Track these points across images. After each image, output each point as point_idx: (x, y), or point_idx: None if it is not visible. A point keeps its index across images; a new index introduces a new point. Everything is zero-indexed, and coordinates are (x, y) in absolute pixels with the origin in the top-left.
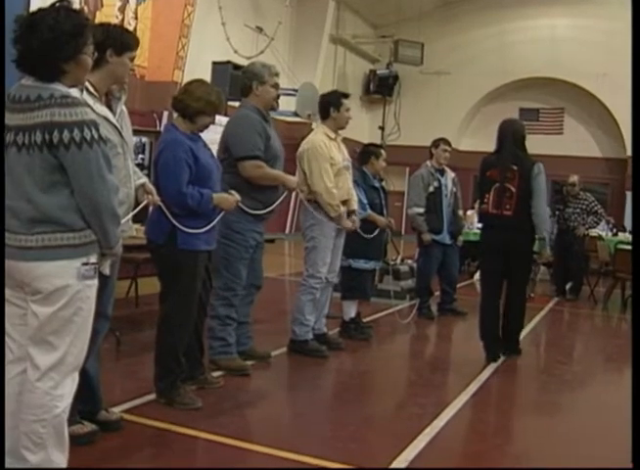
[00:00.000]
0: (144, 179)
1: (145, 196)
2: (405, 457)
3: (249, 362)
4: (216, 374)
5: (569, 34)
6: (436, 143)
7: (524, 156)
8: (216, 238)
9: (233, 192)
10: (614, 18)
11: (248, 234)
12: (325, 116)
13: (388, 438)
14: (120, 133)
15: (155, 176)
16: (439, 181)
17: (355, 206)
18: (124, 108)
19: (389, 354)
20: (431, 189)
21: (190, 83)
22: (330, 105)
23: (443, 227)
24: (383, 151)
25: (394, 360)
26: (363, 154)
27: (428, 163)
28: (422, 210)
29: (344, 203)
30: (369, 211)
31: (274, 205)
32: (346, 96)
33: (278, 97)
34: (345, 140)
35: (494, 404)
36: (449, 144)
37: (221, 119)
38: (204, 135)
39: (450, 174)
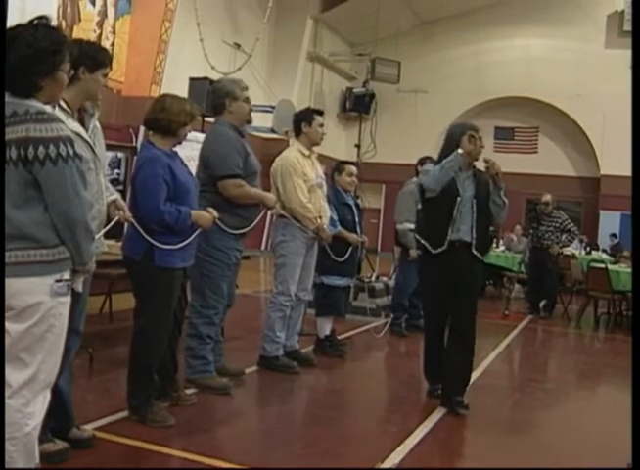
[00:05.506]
0: (116, 195)
1: (116, 212)
2: None
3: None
4: (190, 391)
5: (543, 54)
6: (422, 161)
7: None
8: (197, 255)
9: (211, 209)
10: (587, 39)
11: (230, 252)
12: (298, 132)
13: (362, 454)
14: (93, 149)
15: (132, 193)
16: None
17: (327, 223)
18: (97, 124)
19: (364, 372)
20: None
21: (161, 101)
22: (302, 121)
23: None
24: (347, 166)
25: (368, 378)
26: (331, 173)
27: (415, 179)
28: (413, 225)
29: None
30: (339, 228)
31: (255, 221)
32: (319, 112)
33: (251, 110)
34: (322, 157)
35: (468, 422)
36: (435, 162)
37: (197, 136)
38: (180, 152)
39: None
